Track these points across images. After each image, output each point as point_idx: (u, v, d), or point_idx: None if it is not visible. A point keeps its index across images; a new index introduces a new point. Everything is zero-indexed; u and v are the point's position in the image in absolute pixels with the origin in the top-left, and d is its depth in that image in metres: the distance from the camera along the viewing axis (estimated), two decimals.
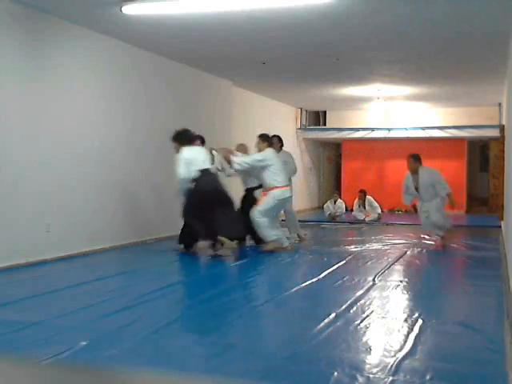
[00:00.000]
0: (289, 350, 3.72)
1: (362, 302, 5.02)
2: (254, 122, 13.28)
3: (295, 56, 9.28)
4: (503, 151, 10.86)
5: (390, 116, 15.87)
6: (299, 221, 9.60)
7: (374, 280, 5.99)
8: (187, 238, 7.70)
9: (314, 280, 6.03)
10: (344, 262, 7.17)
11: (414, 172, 8.64)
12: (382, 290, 5.56)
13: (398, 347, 3.74)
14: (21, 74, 6.62)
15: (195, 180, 7.18)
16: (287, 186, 8.05)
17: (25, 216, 6.63)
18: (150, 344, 3.82)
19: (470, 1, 6.31)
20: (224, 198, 7.35)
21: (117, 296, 5.40)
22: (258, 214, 7.75)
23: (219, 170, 8.12)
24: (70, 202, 7.32)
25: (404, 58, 9.29)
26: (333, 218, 13.34)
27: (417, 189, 8.61)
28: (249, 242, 8.35)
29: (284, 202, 8.13)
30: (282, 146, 9.39)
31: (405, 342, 3.85)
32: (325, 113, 16.86)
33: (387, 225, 12.37)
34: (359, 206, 13.44)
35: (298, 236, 9.22)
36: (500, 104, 13.82)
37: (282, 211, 9.26)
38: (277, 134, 9.53)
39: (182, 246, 7.80)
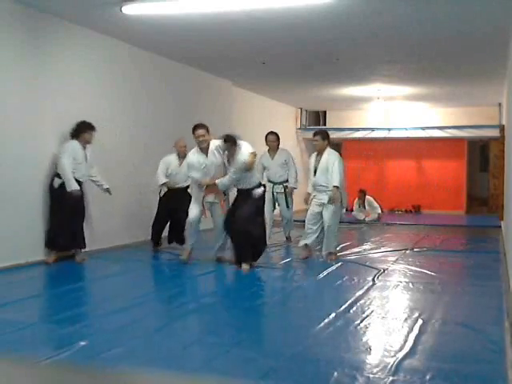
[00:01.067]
0: (289, 349, 3.72)
1: (361, 302, 5.02)
2: (253, 122, 13.28)
3: (295, 56, 9.28)
4: (503, 151, 10.86)
5: (390, 116, 15.86)
6: (299, 221, 9.57)
7: (373, 280, 5.99)
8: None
9: (314, 280, 6.04)
10: (344, 261, 7.16)
11: (319, 152, 7.53)
12: (382, 289, 5.56)
13: (398, 347, 3.74)
14: (21, 73, 6.62)
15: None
16: None
17: (25, 216, 6.62)
18: (150, 344, 3.82)
19: (470, 1, 6.31)
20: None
21: (117, 296, 5.40)
22: None
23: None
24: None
25: (404, 58, 9.29)
26: None
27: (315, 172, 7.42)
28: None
29: None
30: (278, 144, 9.05)
31: (405, 342, 3.86)
32: (325, 113, 16.86)
33: (387, 225, 12.37)
34: (359, 206, 13.43)
35: (286, 237, 9.07)
36: (500, 104, 13.81)
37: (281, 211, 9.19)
38: (274, 130, 9.19)
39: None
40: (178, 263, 6.93)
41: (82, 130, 6.84)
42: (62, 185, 6.64)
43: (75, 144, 6.79)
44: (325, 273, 6.37)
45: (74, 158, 6.69)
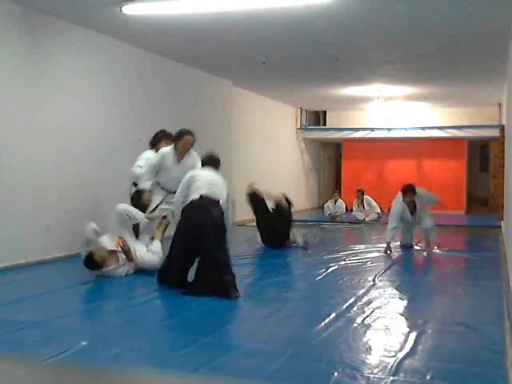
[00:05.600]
0: (289, 349, 3.72)
1: (362, 301, 5.02)
2: (253, 121, 13.29)
3: (295, 56, 9.28)
4: (503, 151, 10.86)
5: (390, 116, 15.86)
6: (300, 221, 9.53)
7: (374, 280, 5.99)
8: None
9: (315, 280, 6.03)
10: (344, 261, 7.17)
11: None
12: (382, 290, 5.56)
13: (398, 347, 3.74)
14: (20, 74, 6.62)
15: None
16: None
17: (25, 216, 6.63)
18: (149, 344, 3.82)
19: (470, 1, 6.31)
20: None
21: (117, 296, 5.40)
22: None
23: None
24: (70, 201, 7.31)
25: (404, 57, 9.29)
26: (333, 218, 13.34)
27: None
28: None
29: None
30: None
31: (405, 342, 3.86)
32: (325, 113, 16.86)
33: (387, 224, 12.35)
34: (358, 206, 13.46)
35: None
36: (500, 104, 13.81)
37: None
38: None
39: None
40: None
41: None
42: None
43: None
44: (325, 273, 6.37)
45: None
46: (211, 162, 6.05)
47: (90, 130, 7.71)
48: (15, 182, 6.51)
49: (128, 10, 6.49)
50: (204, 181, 5.65)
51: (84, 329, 4.20)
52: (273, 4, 6.35)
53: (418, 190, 8.39)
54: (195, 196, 5.51)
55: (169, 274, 5.54)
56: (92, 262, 5.91)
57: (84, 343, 3.75)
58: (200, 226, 5.31)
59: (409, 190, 8.30)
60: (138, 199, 6.67)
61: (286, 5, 6.35)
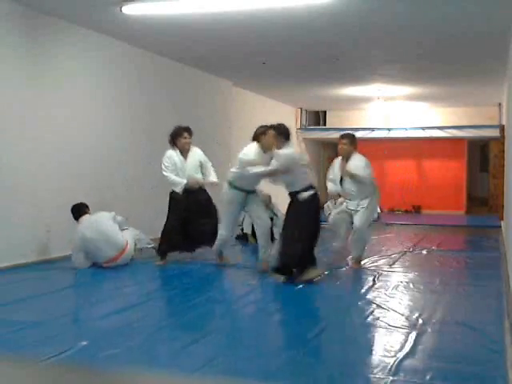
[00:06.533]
0: (289, 349, 3.72)
1: (362, 302, 5.02)
2: (253, 122, 13.26)
3: (295, 56, 9.29)
4: (503, 151, 10.87)
5: (390, 116, 15.86)
6: None
7: (374, 280, 5.99)
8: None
9: (315, 280, 6.03)
10: (344, 261, 7.16)
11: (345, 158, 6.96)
12: (382, 289, 5.55)
13: (398, 347, 3.74)
14: (20, 74, 6.61)
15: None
16: None
17: (25, 216, 6.63)
18: (149, 344, 3.82)
19: (470, 1, 6.31)
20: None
21: (118, 296, 5.40)
22: None
23: None
24: (70, 201, 7.30)
25: (404, 57, 9.29)
26: None
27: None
28: None
29: None
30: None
31: (405, 342, 3.86)
32: (325, 113, 16.86)
33: (387, 225, 12.36)
34: None
35: None
36: (500, 104, 13.82)
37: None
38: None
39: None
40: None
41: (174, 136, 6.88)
42: None
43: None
44: (325, 272, 6.37)
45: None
46: (288, 135, 6.03)
47: (90, 129, 7.72)
48: (15, 182, 6.51)
49: (128, 9, 6.49)
50: (306, 167, 5.97)
51: (84, 329, 4.20)
52: (273, 4, 6.35)
53: (359, 155, 7.02)
54: (309, 189, 5.80)
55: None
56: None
57: (84, 343, 3.75)
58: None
59: (343, 135, 6.98)
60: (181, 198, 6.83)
61: (286, 5, 6.35)
